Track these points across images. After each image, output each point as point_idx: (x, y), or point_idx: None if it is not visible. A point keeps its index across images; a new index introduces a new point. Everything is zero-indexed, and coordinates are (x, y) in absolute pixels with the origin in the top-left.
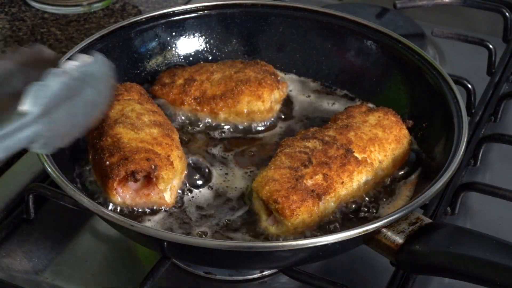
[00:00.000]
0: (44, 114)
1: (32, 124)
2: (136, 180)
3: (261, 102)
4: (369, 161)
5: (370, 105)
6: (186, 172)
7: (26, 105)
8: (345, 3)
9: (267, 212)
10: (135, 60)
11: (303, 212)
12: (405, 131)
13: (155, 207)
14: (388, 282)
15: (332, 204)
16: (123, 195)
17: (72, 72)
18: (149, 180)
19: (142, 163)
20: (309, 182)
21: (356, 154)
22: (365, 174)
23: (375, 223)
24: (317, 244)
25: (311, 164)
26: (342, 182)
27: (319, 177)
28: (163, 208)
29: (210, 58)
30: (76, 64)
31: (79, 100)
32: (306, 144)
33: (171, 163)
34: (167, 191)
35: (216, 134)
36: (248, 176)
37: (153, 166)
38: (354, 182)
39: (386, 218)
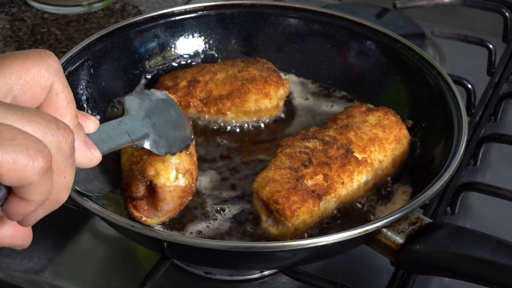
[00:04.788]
0: (146, 116)
1: (140, 120)
2: (141, 199)
3: (268, 99)
4: (369, 161)
5: (370, 105)
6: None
7: (130, 109)
8: (345, 3)
9: (267, 212)
10: (134, 61)
11: (304, 212)
12: (405, 131)
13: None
14: (388, 282)
15: (333, 204)
16: (148, 214)
17: (150, 95)
18: (153, 189)
19: (137, 182)
20: (310, 183)
21: (356, 154)
22: (365, 174)
23: (375, 223)
24: (317, 244)
25: (311, 164)
26: (343, 182)
27: (319, 177)
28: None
29: (210, 58)
30: (150, 92)
31: (168, 116)
32: (306, 144)
33: (163, 160)
34: (172, 174)
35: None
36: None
37: (142, 176)
38: (354, 182)
39: (386, 218)
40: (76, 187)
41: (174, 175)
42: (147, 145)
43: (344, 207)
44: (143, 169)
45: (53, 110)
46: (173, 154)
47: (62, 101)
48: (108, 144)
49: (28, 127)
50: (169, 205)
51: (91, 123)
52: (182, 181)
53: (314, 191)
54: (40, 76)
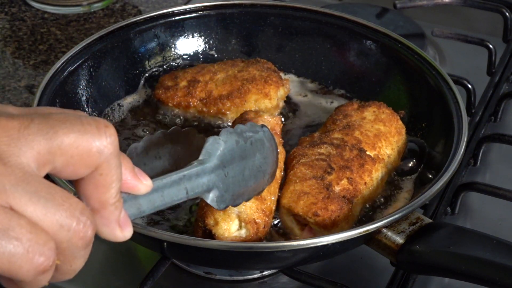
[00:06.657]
0: (219, 166)
1: (209, 173)
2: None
3: (268, 99)
4: (380, 157)
5: (358, 101)
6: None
7: (204, 155)
8: (345, 3)
9: (301, 226)
10: (134, 61)
11: (342, 220)
12: (401, 122)
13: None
14: (388, 282)
15: (359, 206)
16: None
17: (244, 133)
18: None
19: (197, 228)
20: (337, 189)
21: (368, 153)
22: (380, 171)
23: (375, 223)
24: (317, 244)
25: (333, 170)
26: (365, 183)
27: (344, 182)
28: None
29: (210, 58)
30: (246, 128)
31: (250, 162)
32: (319, 150)
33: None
34: (233, 224)
35: None
36: None
37: (202, 224)
38: (374, 180)
39: (386, 218)
40: None
41: (237, 224)
42: (207, 198)
43: (368, 207)
44: (204, 216)
45: (92, 186)
46: (236, 205)
47: (105, 182)
48: (156, 204)
49: (44, 220)
50: None
51: (142, 187)
52: (243, 232)
53: (345, 196)
54: (88, 156)
